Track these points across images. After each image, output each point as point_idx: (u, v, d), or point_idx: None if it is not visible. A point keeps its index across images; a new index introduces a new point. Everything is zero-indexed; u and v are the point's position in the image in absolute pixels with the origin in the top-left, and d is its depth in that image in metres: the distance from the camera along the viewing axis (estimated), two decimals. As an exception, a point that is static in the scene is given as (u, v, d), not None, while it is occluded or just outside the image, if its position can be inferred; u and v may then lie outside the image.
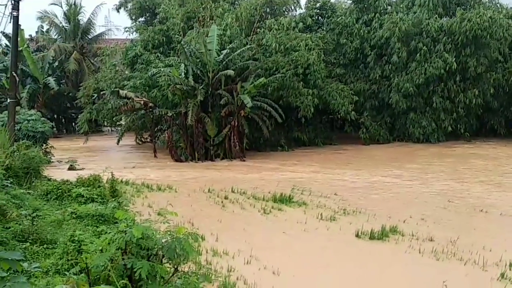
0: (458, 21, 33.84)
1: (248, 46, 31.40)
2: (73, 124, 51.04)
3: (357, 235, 13.34)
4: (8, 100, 24.68)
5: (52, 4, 52.44)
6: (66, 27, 53.33)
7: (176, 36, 33.72)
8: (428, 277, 10.29)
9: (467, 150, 32.56)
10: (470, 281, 10.30)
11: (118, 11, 45.72)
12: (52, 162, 27.46)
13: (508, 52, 36.29)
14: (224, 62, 29.75)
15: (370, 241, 13.02)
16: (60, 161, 28.47)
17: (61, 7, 53.00)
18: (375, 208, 16.75)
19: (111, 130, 48.37)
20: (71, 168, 25.84)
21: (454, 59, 33.81)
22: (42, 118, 30.56)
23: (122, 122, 38.23)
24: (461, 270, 10.83)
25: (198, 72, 29.86)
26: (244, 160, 29.26)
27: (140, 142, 38.70)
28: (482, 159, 28.52)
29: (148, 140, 37.49)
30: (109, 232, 6.82)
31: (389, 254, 12.07)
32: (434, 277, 10.14)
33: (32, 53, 48.46)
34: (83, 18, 53.83)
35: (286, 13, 39.14)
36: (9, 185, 14.53)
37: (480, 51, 34.79)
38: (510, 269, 10.74)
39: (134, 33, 41.05)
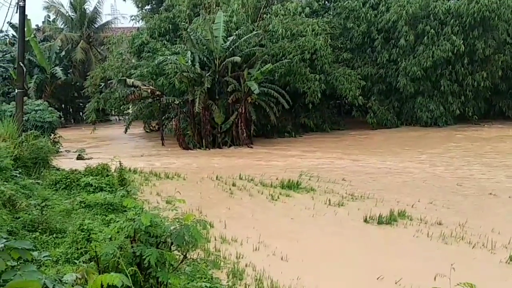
0: (466, 3, 33.57)
1: (255, 32, 31.32)
2: (81, 113, 51.25)
3: (365, 220, 13.35)
4: (16, 91, 24.72)
5: (58, -7, 52.47)
6: (72, 17, 53.38)
7: (183, 23, 33.69)
8: (436, 260, 10.29)
9: (489, 133, 32.24)
10: (478, 264, 10.30)
11: (124, 0, 45.67)
12: (60, 151, 27.59)
13: (516, 33, 36.04)
14: (231, 48, 29.70)
15: (378, 225, 13.04)
16: (68, 150, 28.59)
17: (67, -4, 53.05)
18: (384, 193, 16.75)
19: (119, 119, 48.60)
20: (79, 157, 25.94)
21: (462, 41, 33.60)
22: (50, 108, 30.69)
23: (130, 111, 38.37)
24: (469, 253, 10.83)
25: (205, 59, 29.85)
26: (251, 147, 29.29)
27: (148, 131, 38.82)
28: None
29: (156, 128, 37.60)
30: (118, 221, 6.85)
31: (397, 239, 12.08)
32: (442, 261, 10.14)
33: (39, 43, 48.54)
34: (89, 7, 53.92)
35: (292, -2, 38.99)
36: (18, 175, 14.62)
37: (488, 33, 34.56)
38: (519, 252, 10.73)
39: (140, 21, 41.08)
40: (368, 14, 35.96)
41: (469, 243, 11.38)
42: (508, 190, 16.83)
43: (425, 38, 34.45)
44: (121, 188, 15.06)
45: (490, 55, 34.83)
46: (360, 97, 33.65)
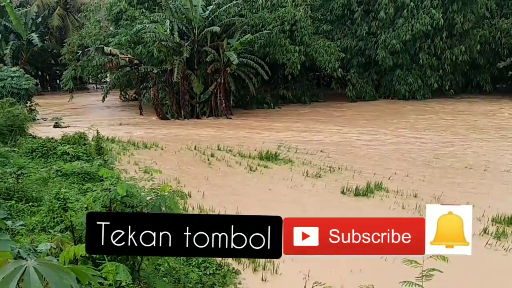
0: (446, -23, 33.56)
1: (234, 2, 30.96)
2: (58, 81, 50.37)
3: (342, 192, 13.45)
4: (-9, 57, 24.33)
5: (34, -43, 51.22)
6: (48, -18, 52.24)
7: (161, -9, 33.18)
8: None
9: (466, 107, 32.45)
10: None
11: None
12: (37, 119, 27.24)
13: (495, 8, 36.09)
14: (210, 18, 29.42)
15: (355, 197, 13.15)
16: (45, 118, 28.26)
17: (43, -39, 51.82)
18: (361, 165, 16.86)
19: (96, 88, 48.01)
20: (56, 125, 25.68)
21: (441, 15, 33.58)
22: (26, 75, 30.20)
23: (107, 79, 37.89)
24: (444, 225, 10.94)
25: (184, 28, 29.53)
26: (230, 118, 29.18)
27: (124, 99, 38.42)
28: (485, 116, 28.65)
29: (133, 97, 37.25)
30: (95, 190, 6.81)
31: (373, 210, 12.18)
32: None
33: (15, 8, 47.55)
34: (66, -28, 52.70)
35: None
36: (-7, 143, 14.46)
37: (467, 7, 34.60)
38: (492, 224, 10.90)
39: (119, -12, 40.28)
40: (349, -14, 35.75)
41: (443, 215, 11.49)
42: (484, 163, 17.04)
43: (405, 11, 34.36)
44: (98, 157, 14.98)
45: (469, 29, 34.92)
46: (339, 69, 33.54)
